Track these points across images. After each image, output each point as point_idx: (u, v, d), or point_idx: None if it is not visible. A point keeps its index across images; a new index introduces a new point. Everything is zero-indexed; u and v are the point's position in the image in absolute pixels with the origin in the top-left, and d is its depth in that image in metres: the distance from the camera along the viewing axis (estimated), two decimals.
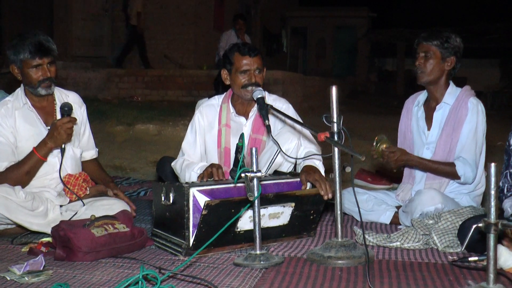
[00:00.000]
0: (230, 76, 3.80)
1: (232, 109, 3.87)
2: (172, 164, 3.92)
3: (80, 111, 3.85)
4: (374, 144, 3.78)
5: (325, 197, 3.36)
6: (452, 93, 3.88)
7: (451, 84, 3.92)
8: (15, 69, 3.61)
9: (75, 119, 3.54)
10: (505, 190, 3.48)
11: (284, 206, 3.33)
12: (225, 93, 3.97)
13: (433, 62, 3.83)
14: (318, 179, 3.40)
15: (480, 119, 3.78)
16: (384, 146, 3.74)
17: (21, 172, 3.49)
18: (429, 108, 3.97)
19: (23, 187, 3.50)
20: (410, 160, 3.79)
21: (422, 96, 4.06)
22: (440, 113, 3.89)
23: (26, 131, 3.59)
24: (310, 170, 3.49)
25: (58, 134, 3.43)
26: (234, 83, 3.79)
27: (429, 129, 3.93)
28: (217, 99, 3.98)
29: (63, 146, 3.54)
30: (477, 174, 3.80)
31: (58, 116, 3.62)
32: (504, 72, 21.79)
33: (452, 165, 3.73)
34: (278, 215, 3.34)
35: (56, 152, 3.63)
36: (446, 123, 3.83)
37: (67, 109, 3.51)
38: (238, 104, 3.88)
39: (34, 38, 3.53)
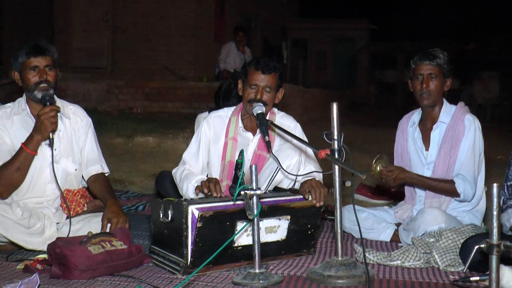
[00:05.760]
0: (243, 87, 3.77)
1: (240, 124, 3.83)
2: (173, 171, 3.85)
3: (82, 124, 3.76)
4: (374, 164, 3.72)
5: (316, 204, 3.32)
6: (447, 111, 3.85)
7: (445, 102, 3.88)
8: (16, 75, 3.56)
9: (57, 107, 3.47)
10: (501, 202, 3.41)
11: (279, 219, 3.29)
12: (235, 106, 3.93)
13: (437, 83, 3.77)
14: (314, 186, 3.37)
15: (477, 135, 3.75)
16: (381, 166, 3.67)
17: (12, 169, 3.43)
18: (425, 128, 3.92)
19: (16, 185, 3.47)
20: (409, 177, 3.74)
21: (416, 116, 4.00)
22: (437, 132, 3.85)
23: (22, 136, 3.52)
24: (308, 180, 3.46)
25: (42, 125, 3.37)
26: (243, 96, 3.75)
27: (427, 149, 3.89)
28: (226, 111, 3.92)
29: (51, 136, 3.44)
30: (477, 191, 3.77)
31: (60, 124, 3.56)
32: (503, 85, 21.75)
33: (452, 182, 3.69)
34: (275, 229, 3.30)
35: (48, 163, 3.54)
36: (444, 142, 3.79)
37: (48, 98, 3.46)
38: (247, 119, 3.84)
39: (33, 42, 3.53)
